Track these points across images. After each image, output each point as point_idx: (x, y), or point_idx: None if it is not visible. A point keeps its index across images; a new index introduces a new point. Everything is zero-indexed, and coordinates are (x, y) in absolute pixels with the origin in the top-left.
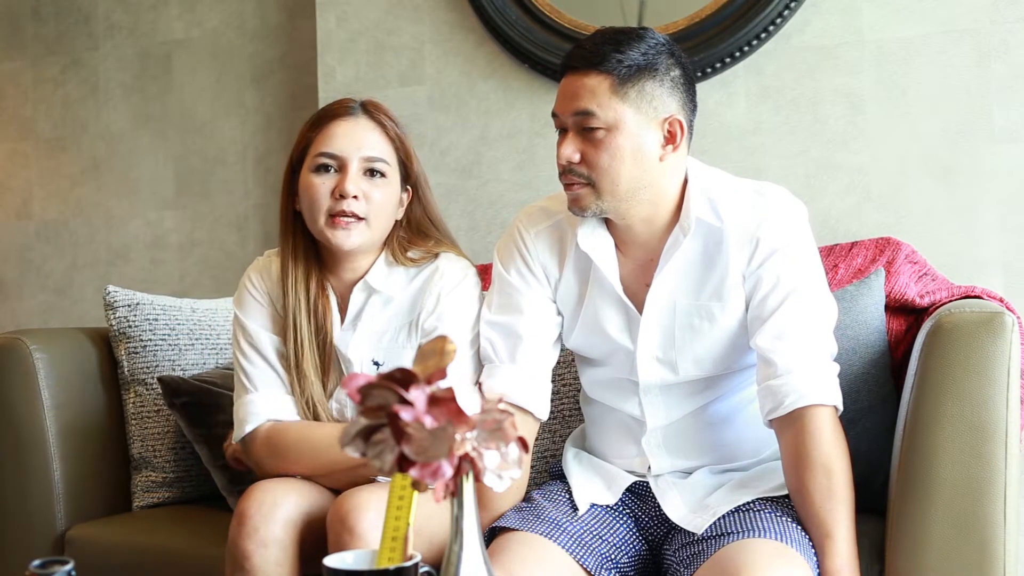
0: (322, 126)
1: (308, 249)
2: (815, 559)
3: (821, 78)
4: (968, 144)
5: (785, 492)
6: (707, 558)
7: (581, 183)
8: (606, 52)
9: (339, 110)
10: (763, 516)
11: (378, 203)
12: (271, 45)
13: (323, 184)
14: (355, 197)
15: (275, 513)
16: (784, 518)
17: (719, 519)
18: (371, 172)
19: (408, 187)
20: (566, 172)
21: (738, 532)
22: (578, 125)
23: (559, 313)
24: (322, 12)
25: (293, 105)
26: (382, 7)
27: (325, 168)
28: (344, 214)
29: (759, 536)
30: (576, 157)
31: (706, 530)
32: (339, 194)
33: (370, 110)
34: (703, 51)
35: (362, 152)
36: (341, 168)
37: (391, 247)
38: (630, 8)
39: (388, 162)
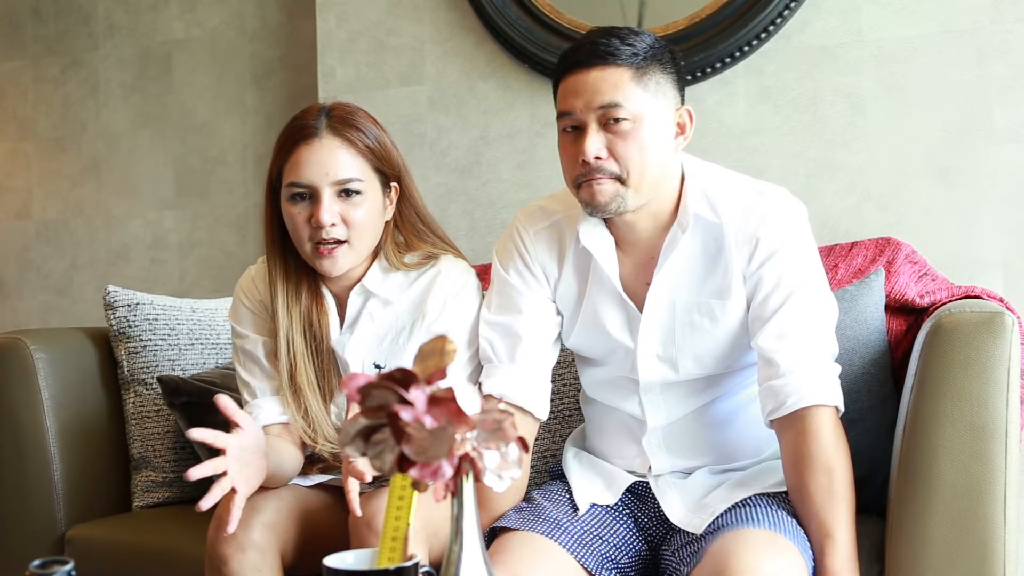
0: (289, 152)
1: (299, 263)
2: (810, 551)
3: (821, 78)
4: (968, 144)
5: (783, 488)
6: (704, 555)
7: (608, 178)
8: (618, 45)
9: (303, 131)
10: (757, 509)
11: (359, 221)
12: (271, 45)
13: (300, 214)
14: (332, 224)
15: (254, 517)
16: (779, 510)
17: (717, 517)
18: (346, 192)
19: (391, 186)
20: (591, 170)
21: (732, 524)
22: (603, 119)
23: (558, 313)
24: (322, 12)
25: (293, 105)
26: (382, 7)
27: (300, 196)
28: (325, 242)
29: (751, 526)
30: (604, 152)
31: (705, 528)
32: (315, 224)
33: (335, 125)
34: (703, 51)
35: (332, 177)
36: (313, 196)
37: (385, 252)
38: (630, 8)
39: (361, 178)
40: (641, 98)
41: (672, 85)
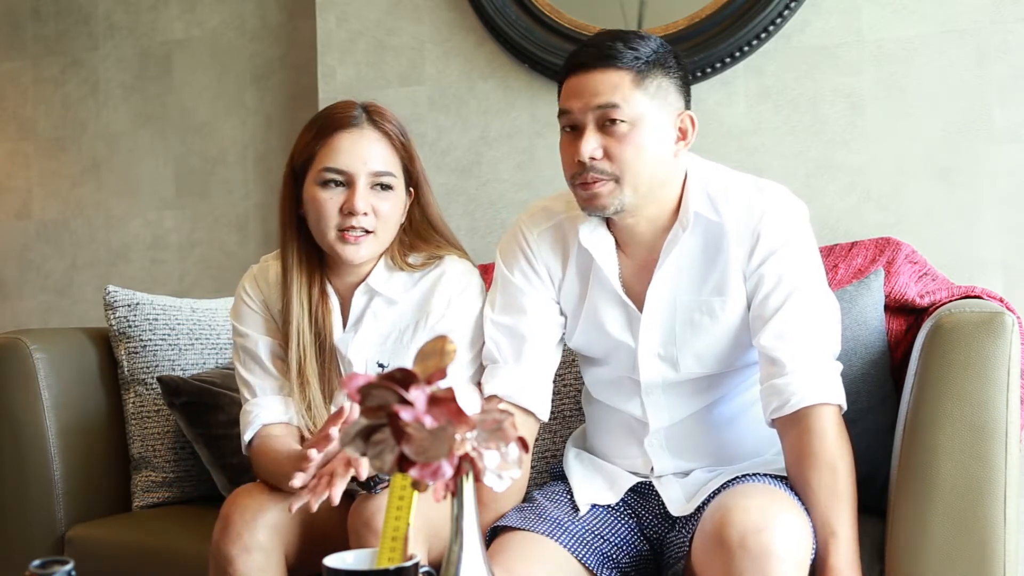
0: (326, 137)
1: (311, 254)
2: (807, 515)
3: (821, 78)
4: (968, 144)
5: (782, 472)
6: (703, 517)
7: (604, 179)
8: (621, 48)
9: (343, 120)
10: (755, 479)
11: (386, 215)
12: (271, 45)
13: (331, 200)
14: (365, 213)
15: (258, 519)
16: (778, 483)
17: (714, 492)
18: (379, 186)
19: (410, 189)
20: (586, 170)
21: (729, 489)
22: (601, 119)
23: (562, 313)
24: (322, 12)
25: (293, 105)
26: (382, 7)
27: (333, 183)
28: (354, 229)
29: (749, 483)
30: (599, 153)
31: (700, 503)
32: (348, 211)
33: (374, 118)
34: (703, 51)
35: (369, 167)
36: (349, 183)
37: (391, 252)
38: (630, 8)
39: (395, 174)
40: (640, 101)
41: (676, 90)
